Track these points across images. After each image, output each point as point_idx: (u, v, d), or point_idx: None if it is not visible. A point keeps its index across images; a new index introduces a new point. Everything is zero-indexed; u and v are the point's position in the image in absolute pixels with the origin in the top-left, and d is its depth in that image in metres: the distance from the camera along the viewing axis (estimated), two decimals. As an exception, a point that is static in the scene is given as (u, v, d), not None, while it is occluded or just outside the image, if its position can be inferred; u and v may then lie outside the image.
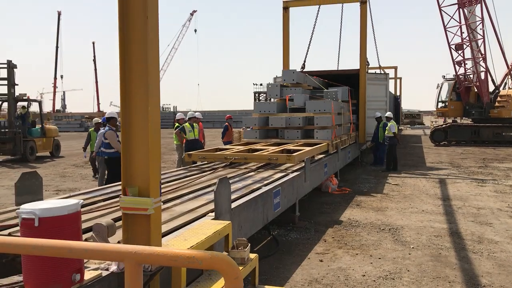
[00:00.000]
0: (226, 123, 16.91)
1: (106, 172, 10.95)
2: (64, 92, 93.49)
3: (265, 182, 6.93)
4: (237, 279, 1.30)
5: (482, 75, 25.37)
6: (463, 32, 25.06)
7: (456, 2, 24.56)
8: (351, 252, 6.40)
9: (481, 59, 25.24)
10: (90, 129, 14.40)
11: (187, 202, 5.49)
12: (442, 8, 24.94)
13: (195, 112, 15.03)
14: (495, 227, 7.68)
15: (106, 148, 10.39)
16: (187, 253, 1.31)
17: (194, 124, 13.63)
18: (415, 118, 57.13)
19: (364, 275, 5.48)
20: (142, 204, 3.12)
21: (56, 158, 20.75)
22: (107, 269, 3.13)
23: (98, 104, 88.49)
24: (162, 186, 6.43)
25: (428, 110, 73.00)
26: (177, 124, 15.08)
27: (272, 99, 14.97)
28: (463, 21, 24.81)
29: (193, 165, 9.64)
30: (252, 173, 8.05)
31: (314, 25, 18.40)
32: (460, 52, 25.46)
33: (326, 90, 14.15)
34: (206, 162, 9.48)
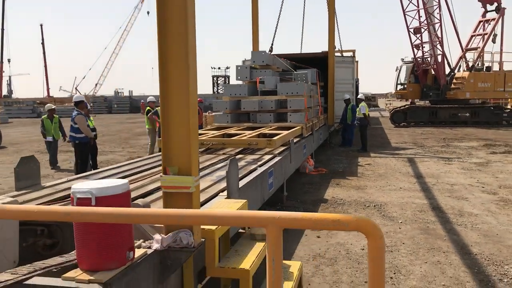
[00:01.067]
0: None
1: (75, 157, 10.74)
2: (10, 76, 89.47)
3: (258, 163, 7.04)
4: (381, 239, 1.41)
5: (439, 58, 26.31)
6: (421, 16, 25.84)
7: (414, -14, 25.27)
8: (345, 228, 6.64)
9: (438, 42, 26.16)
10: (43, 116, 13.25)
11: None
12: (401, -8, 25.57)
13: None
14: (471, 201, 8.14)
15: (75, 133, 10.20)
16: (332, 217, 1.41)
17: None
18: (370, 100, 58.51)
19: (363, 249, 5.73)
20: (184, 183, 3.17)
21: None
22: (149, 247, 3.17)
23: (48, 89, 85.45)
24: (152, 172, 6.45)
25: (383, 93, 74.85)
26: (148, 108, 14.92)
27: (241, 82, 14.76)
28: (421, 5, 25.55)
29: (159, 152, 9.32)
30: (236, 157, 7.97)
31: (281, 7, 18.51)
32: (418, 35, 26.26)
33: (295, 72, 14.12)
34: None
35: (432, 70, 26.90)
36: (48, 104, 14.19)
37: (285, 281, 4.00)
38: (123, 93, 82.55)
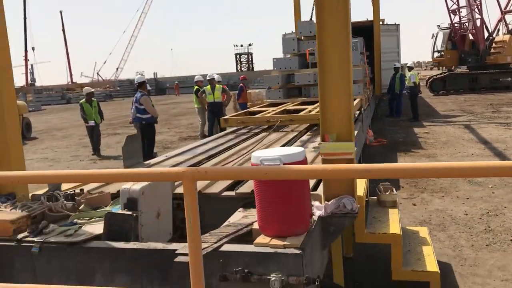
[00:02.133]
0: (241, 84, 16.82)
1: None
2: (32, 65, 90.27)
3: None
4: None
5: (478, 22, 25.59)
6: (458, -20, 25.11)
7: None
8: (436, 195, 6.60)
9: (476, 6, 25.41)
10: (81, 101, 12.61)
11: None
12: (436, -43, 24.83)
13: (213, 74, 14.84)
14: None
15: (142, 114, 10.29)
16: None
17: (216, 86, 13.52)
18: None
19: (467, 214, 5.69)
20: (346, 149, 3.17)
21: (27, 141, 16.64)
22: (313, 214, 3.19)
23: (71, 75, 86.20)
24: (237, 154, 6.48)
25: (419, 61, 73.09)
26: (196, 87, 14.94)
27: (287, 55, 14.40)
28: (457, -31, 24.81)
29: (228, 131, 8.58)
30: (308, 135, 7.26)
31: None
32: (455, 0, 25.55)
33: None
34: (242, 127, 8.44)
35: (470, 35, 26.22)
36: (86, 88, 13.66)
37: (423, 245, 4.01)
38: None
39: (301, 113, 8.62)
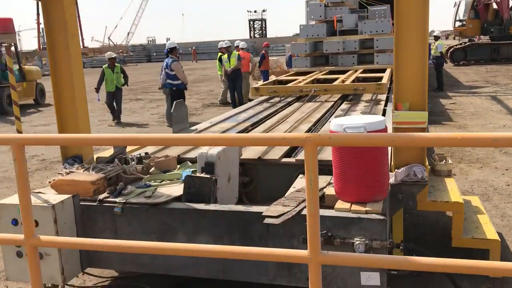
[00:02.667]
0: (263, 51, 16.70)
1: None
2: (43, 29, 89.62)
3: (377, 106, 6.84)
4: None
5: (503, -9, 24.98)
6: None
7: None
8: (474, 165, 6.65)
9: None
10: (103, 66, 12.22)
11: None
12: None
13: (237, 41, 14.71)
14: None
15: (172, 80, 10.32)
16: None
17: (232, 53, 13.35)
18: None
19: (509, 185, 5.74)
20: (419, 118, 3.21)
21: (42, 107, 16.56)
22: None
23: (82, 39, 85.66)
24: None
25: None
26: (220, 54, 14.83)
27: (313, 22, 13.04)
28: None
29: (261, 99, 8.03)
30: (346, 104, 6.91)
31: None
32: (480, -32, 24.89)
33: (372, 8, 12.94)
34: (275, 95, 8.01)
35: (494, 4, 25.63)
36: (109, 53, 13.17)
37: (478, 214, 4.08)
38: (155, 40, 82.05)
39: (335, 82, 8.40)
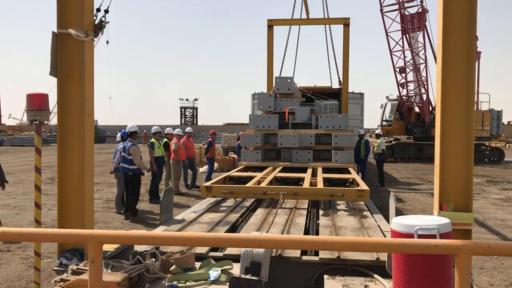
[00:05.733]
0: (210, 139, 16.74)
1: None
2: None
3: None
4: None
5: (424, 97, 27.43)
6: (406, 56, 27.02)
7: (401, 28, 26.50)
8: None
9: (422, 82, 27.32)
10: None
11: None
12: (388, 33, 26.75)
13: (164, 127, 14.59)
14: (538, 237, 8.44)
15: (129, 164, 9.87)
16: None
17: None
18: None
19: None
20: (466, 219, 3.15)
21: None
22: None
23: (0, 116, 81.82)
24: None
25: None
26: (165, 140, 14.56)
27: (259, 112, 11.99)
28: (406, 46, 26.76)
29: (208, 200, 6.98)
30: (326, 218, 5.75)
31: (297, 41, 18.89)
32: (403, 75, 27.37)
33: (324, 102, 12.02)
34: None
35: (417, 108, 27.97)
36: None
37: None
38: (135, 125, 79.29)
39: (304, 185, 6.87)
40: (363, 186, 6.54)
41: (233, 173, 8.44)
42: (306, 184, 6.88)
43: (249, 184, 6.72)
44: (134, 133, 10.02)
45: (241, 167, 9.63)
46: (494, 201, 12.46)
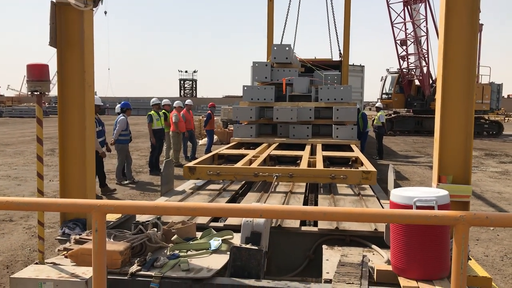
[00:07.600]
0: (209, 111, 16.69)
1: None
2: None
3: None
4: None
5: (424, 70, 27.26)
6: (407, 29, 26.75)
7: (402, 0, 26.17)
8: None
9: (423, 54, 27.11)
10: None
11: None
12: (390, 5, 26.41)
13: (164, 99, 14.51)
14: (534, 209, 8.54)
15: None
16: None
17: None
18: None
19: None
20: (463, 191, 3.19)
21: None
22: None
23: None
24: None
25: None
26: (164, 111, 14.51)
27: (255, 83, 10.94)
28: (408, 18, 26.45)
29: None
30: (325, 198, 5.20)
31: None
32: (404, 47, 27.13)
33: (325, 73, 10.88)
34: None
35: (417, 81, 27.84)
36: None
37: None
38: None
39: (301, 165, 5.97)
40: (369, 167, 5.61)
41: (223, 150, 7.45)
42: (303, 165, 5.94)
43: (239, 165, 5.81)
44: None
45: (233, 143, 8.66)
46: (492, 174, 12.54)
